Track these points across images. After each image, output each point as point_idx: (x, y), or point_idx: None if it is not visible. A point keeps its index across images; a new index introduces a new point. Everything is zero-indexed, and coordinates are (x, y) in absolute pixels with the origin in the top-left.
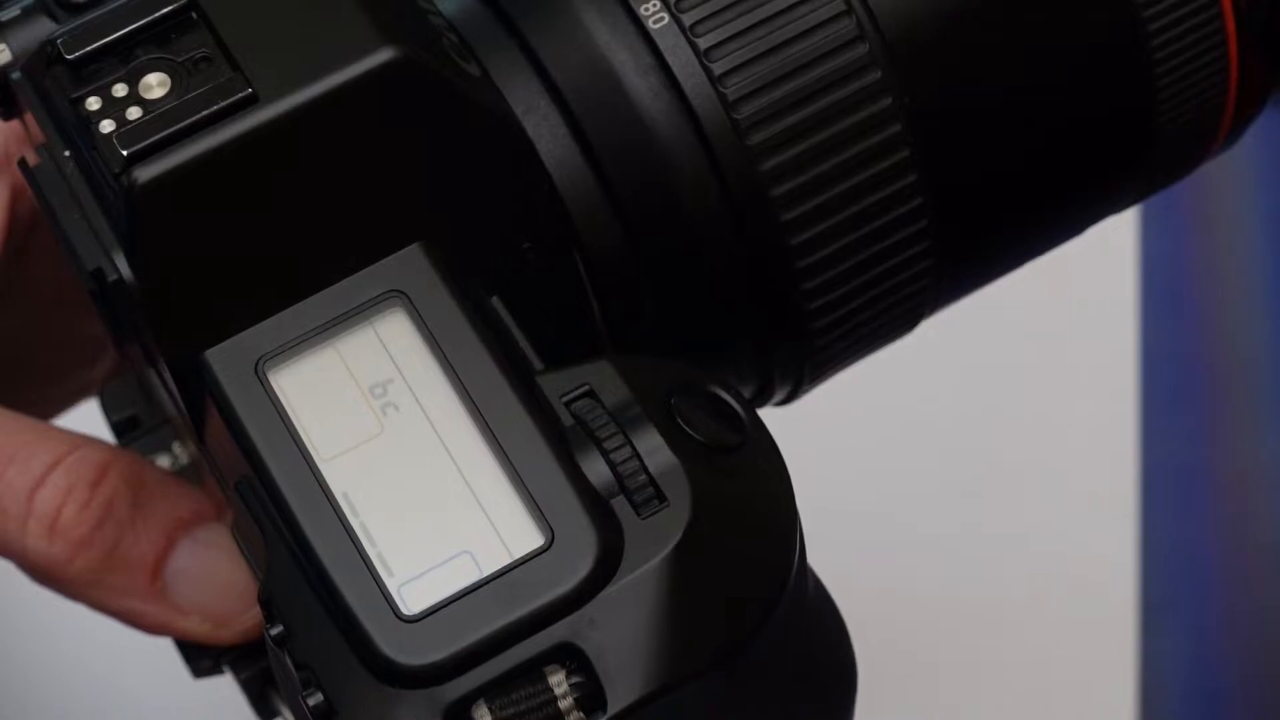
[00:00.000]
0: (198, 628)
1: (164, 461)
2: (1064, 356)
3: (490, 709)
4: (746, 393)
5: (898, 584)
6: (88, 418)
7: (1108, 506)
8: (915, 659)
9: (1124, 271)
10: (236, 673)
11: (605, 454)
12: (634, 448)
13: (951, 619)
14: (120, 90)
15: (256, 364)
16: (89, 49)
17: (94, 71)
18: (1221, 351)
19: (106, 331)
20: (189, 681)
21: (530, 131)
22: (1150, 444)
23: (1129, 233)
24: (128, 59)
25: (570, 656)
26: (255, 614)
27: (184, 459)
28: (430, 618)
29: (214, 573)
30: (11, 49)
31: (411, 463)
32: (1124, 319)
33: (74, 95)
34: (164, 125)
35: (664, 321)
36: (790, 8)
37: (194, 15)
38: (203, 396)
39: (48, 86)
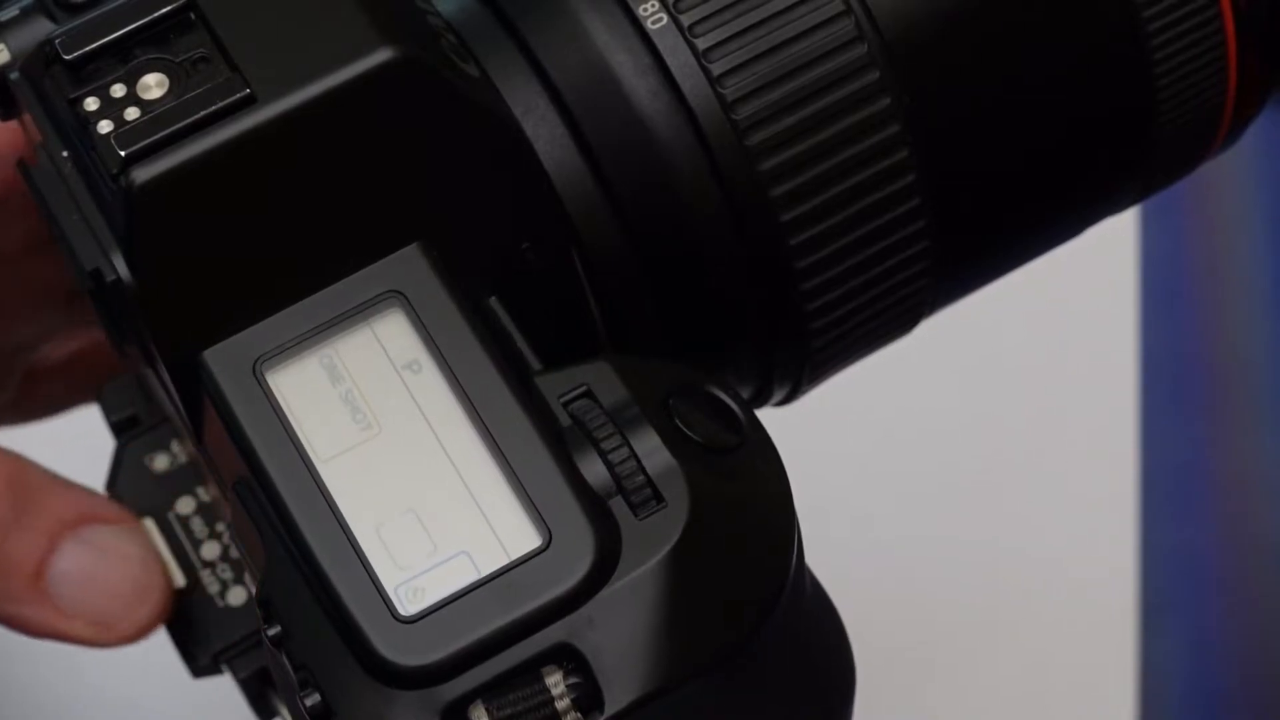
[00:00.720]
0: (82, 632)
1: (163, 460)
2: (1064, 357)
3: (488, 709)
4: (745, 393)
5: (896, 584)
6: (86, 418)
7: (1107, 507)
8: (914, 660)
9: (1124, 272)
10: (235, 672)
11: (603, 455)
12: (632, 448)
13: (950, 620)
14: (118, 90)
15: (254, 364)
16: (87, 49)
17: (92, 72)
18: (1222, 352)
19: (105, 331)
20: (187, 681)
21: (529, 132)
22: (1150, 445)
23: (1129, 232)
24: (126, 59)
25: (568, 657)
26: (141, 617)
27: (183, 458)
28: (428, 618)
29: (97, 575)
30: (10, 49)
31: (409, 463)
32: (1124, 319)
33: (72, 95)
34: (162, 126)
35: (663, 322)
36: (789, 8)
37: (192, 16)
38: (201, 397)
39: (46, 87)
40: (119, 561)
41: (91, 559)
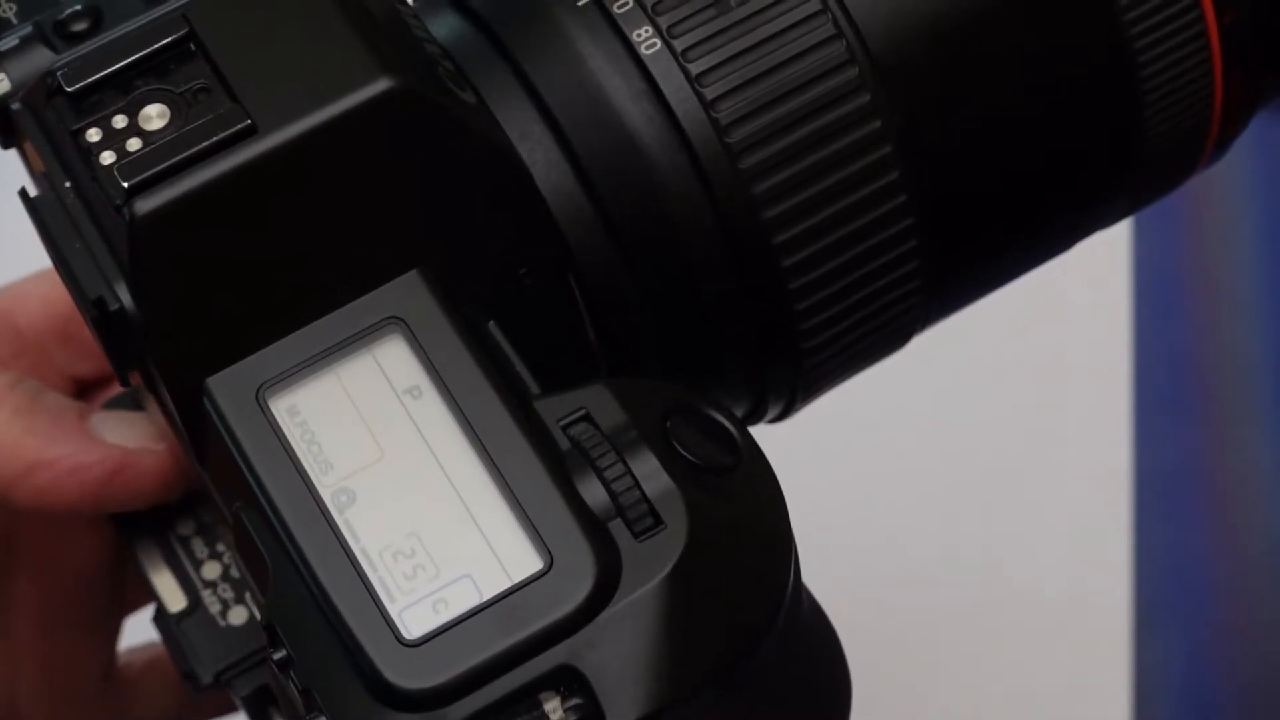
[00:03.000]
0: (134, 458)
1: None
2: (1058, 363)
3: None
4: (740, 411)
5: (891, 593)
6: None
7: (1101, 513)
8: (909, 669)
9: (1118, 277)
10: (236, 691)
11: (602, 477)
12: (630, 471)
13: (945, 626)
14: (120, 121)
15: (257, 391)
16: (89, 81)
17: (94, 103)
18: (1215, 358)
19: (108, 358)
20: None
21: (525, 157)
22: (1144, 451)
23: (1123, 239)
24: (127, 90)
25: (570, 678)
26: (168, 445)
27: None
28: (431, 642)
29: (129, 417)
30: (11, 78)
31: (411, 488)
32: (1118, 324)
33: (74, 127)
34: (164, 157)
35: (659, 343)
36: (781, 32)
37: (192, 46)
38: (203, 421)
39: (48, 118)
40: (136, 414)
41: (118, 414)
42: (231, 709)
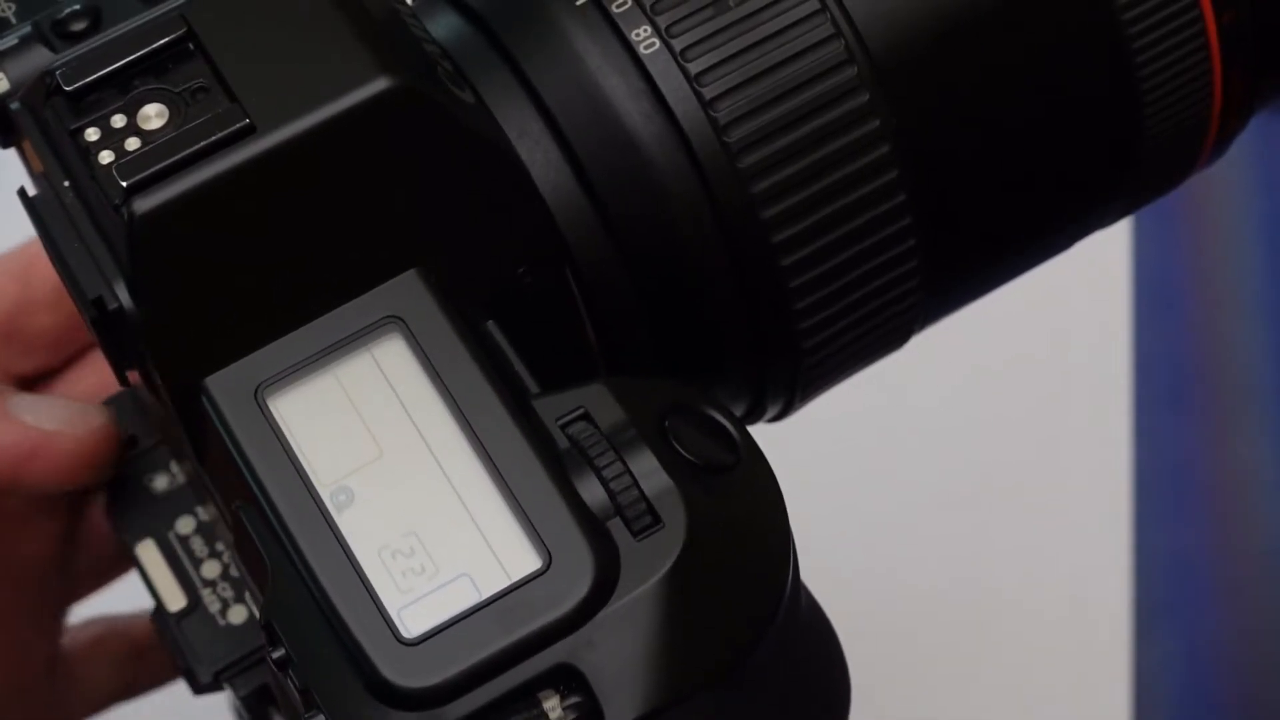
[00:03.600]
0: (57, 438)
1: (163, 481)
2: (1058, 362)
3: None
4: (739, 411)
5: (890, 594)
6: None
7: (1102, 513)
8: (909, 669)
9: (1118, 277)
10: (236, 690)
11: (601, 476)
12: (629, 470)
13: (945, 626)
14: (119, 121)
15: (256, 390)
16: (87, 80)
17: (93, 102)
18: (1215, 357)
19: (106, 358)
20: (188, 698)
21: (524, 156)
22: (1144, 450)
23: (1123, 238)
24: (126, 89)
25: (569, 677)
26: (101, 417)
27: (182, 478)
28: (430, 640)
29: (51, 400)
30: (10, 77)
31: (410, 487)
32: (1118, 323)
33: (73, 126)
34: (163, 156)
35: (657, 342)
36: (780, 32)
37: (190, 46)
38: (203, 421)
39: (47, 117)
40: (59, 399)
41: (36, 396)
42: (173, 676)
